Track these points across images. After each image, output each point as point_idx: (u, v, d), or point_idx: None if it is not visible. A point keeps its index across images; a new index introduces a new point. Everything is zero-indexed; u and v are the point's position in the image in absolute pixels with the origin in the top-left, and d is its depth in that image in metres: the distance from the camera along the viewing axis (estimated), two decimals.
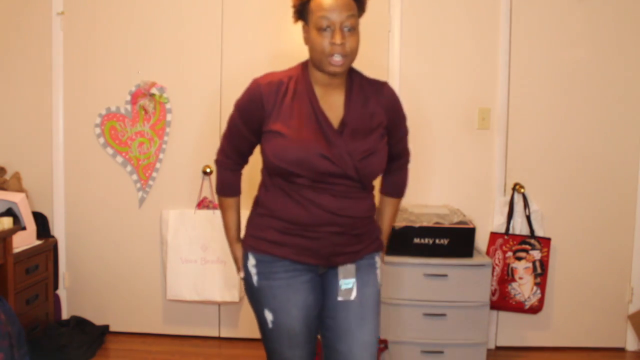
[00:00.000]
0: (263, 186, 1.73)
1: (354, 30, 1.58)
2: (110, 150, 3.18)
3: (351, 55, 1.59)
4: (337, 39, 1.55)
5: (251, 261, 1.70)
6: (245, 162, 1.82)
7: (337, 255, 1.69)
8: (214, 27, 3.12)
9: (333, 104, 1.66)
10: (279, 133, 1.61)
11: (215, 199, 3.15)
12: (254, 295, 1.72)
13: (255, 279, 1.70)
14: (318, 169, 1.59)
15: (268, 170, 1.69)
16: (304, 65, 1.70)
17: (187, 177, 3.17)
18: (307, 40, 1.65)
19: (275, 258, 1.68)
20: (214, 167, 1.88)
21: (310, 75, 1.67)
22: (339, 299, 1.71)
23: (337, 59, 1.57)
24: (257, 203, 1.74)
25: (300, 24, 1.69)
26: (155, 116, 3.15)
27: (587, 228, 3.12)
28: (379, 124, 1.67)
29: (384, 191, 1.90)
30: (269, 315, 1.70)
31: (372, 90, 1.71)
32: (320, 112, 1.63)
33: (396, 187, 1.89)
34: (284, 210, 1.65)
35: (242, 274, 1.75)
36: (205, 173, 3.15)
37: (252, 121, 1.67)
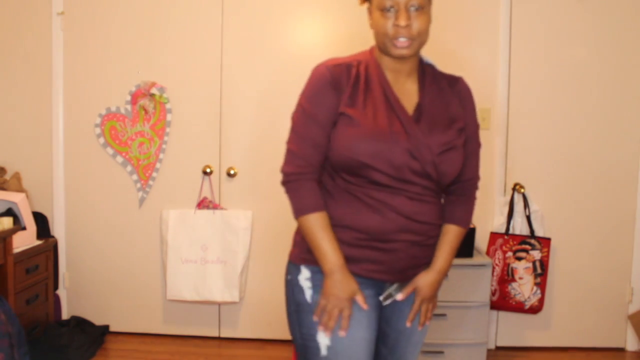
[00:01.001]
0: (322, 185, 1.50)
1: (423, 9, 1.43)
2: (110, 150, 3.18)
3: (419, 37, 1.44)
4: (401, 21, 1.39)
5: (304, 274, 1.48)
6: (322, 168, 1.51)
7: (415, 268, 1.48)
8: (214, 27, 3.12)
9: (406, 92, 1.49)
10: (350, 119, 1.41)
11: (215, 198, 3.15)
12: (305, 314, 1.46)
13: (309, 293, 1.46)
14: (396, 162, 1.39)
15: (334, 166, 1.45)
16: (372, 50, 1.52)
17: (187, 177, 3.17)
18: (371, 22, 1.48)
19: None
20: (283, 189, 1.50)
21: (379, 60, 1.49)
22: (388, 302, 1.51)
23: (402, 40, 1.41)
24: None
25: (365, 5, 1.50)
26: (155, 116, 3.15)
27: (587, 228, 3.12)
28: (457, 116, 1.51)
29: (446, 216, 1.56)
30: (323, 340, 1.43)
31: (447, 83, 1.57)
32: (394, 99, 1.45)
33: (463, 213, 1.56)
34: (356, 217, 1.42)
35: (366, 306, 1.44)
36: (205, 173, 3.15)
37: (327, 108, 1.44)
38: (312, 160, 1.45)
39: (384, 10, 1.41)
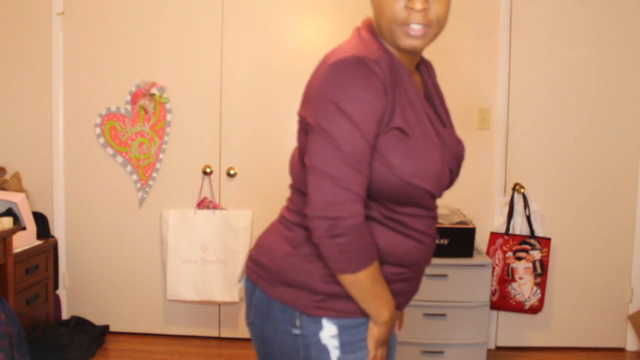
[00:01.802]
0: None
1: None
2: (110, 150, 3.18)
3: (437, 25, 1.15)
4: (417, 3, 1.09)
5: (328, 330, 1.16)
6: None
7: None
8: (214, 26, 3.12)
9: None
10: (407, 137, 1.11)
11: (215, 198, 3.15)
12: None
13: (335, 354, 1.17)
14: (444, 183, 1.19)
15: (380, 194, 1.13)
16: (375, 39, 1.19)
17: (187, 177, 3.17)
18: (374, 2, 1.17)
19: (365, 319, 1.19)
20: (343, 233, 1.07)
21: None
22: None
23: (415, 27, 1.12)
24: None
25: None
26: (155, 116, 3.15)
27: (587, 228, 3.12)
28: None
29: None
30: None
31: (426, 70, 1.33)
32: (425, 103, 1.19)
33: None
34: (400, 250, 1.17)
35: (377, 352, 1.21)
36: (205, 173, 3.15)
37: (377, 122, 1.09)
38: (364, 190, 1.08)
39: None
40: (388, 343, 1.22)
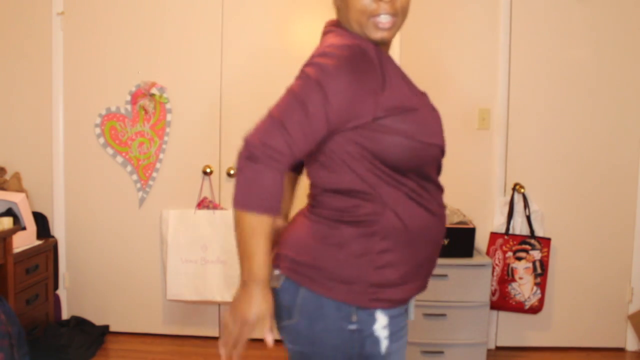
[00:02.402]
0: (375, 203, 1.19)
1: None
2: (110, 150, 3.18)
3: (402, 15, 1.22)
4: None
5: (382, 321, 1.20)
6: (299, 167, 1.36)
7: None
8: (214, 26, 3.12)
9: None
10: (413, 109, 1.19)
11: (215, 198, 3.15)
12: (365, 355, 1.20)
13: (385, 344, 1.20)
14: (445, 143, 1.27)
15: (408, 165, 1.19)
16: (344, 31, 1.25)
17: (187, 177, 3.17)
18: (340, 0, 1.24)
19: (404, 307, 1.26)
20: (241, 163, 1.15)
21: None
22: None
23: (384, 20, 1.18)
24: (377, 231, 1.19)
25: None
26: (155, 116, 3.15)
27: (587, 228, 3.12)
28: None
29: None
30: None
31: None
32: (407, 77, 1.27)
33: None
34: (431, 229, 1.24)
35: (270, 339, 1.18)
36: (205, 173, 3.15)
37: (362, 96, 1.14)
38: (298, 154, 1.14)
39: None
40: (247, 333, 1.18)
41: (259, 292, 1.15)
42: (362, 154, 1.17)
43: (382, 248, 1.19)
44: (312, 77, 1.14)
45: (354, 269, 1.18)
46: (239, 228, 1.13)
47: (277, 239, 1.30)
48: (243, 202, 1.12)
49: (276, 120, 1.13)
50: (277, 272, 1.23)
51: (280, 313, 1.25)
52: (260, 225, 1.12)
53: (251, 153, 1.11)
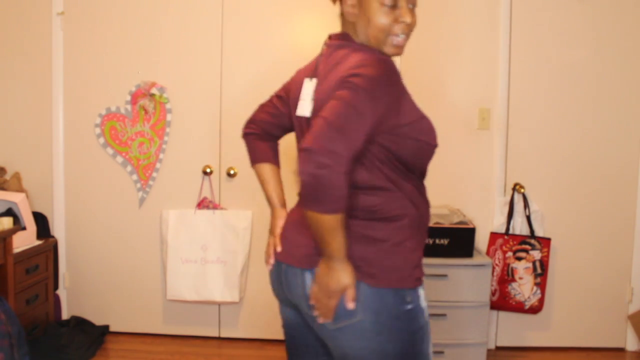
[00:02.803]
0: (401, 198, 1.37)
1: (415, 7, 1.40)
2: (110, 150, 3.18)
3: (411, 33, 1.42)
4: (408, 17, 1.36)
5: (422, 295, 1.41)
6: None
7: None
8: (214, 26, 3.12)
9: None
10: (423, 115, 1.38)
11: (215, 198, 3.16)
12: (428, 334, 1.43)
13: (426, 313, 1.43)
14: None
15: (416, 166, 1.40)
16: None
17: (187, 177, 3.17)
18: (360, 13, 1.38)
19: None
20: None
21: None
22: None
23: (400, 38, 1.37)
24: (406, 223, 1.37)
25: None
26: (155, 116, 3.15)
27: (587, 228, 3.12)
28: None
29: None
30: (431, 349, 1.46)
31: None
32: None
33: None
34: (429, 216, 1.47)
35: (352, 305, 1.32)
36: (205, 173, 3.15)
37: (395, 104, 1.31)
38: (358, 153, 1.26)
39: (383, 4, 1.34)
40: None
41: (342, 266, 1.29)
42: (387, 155, 1.33)
43: (411, 235, 1.37)
44: (360, 86, 1.24)
45: (399, 257, 1.35)
46: (319, 225, 1.25)
47: (278, 227, 1.54)
48: (320, 207, 1.22)
49: (334, 126, 1.21)
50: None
51: (339, 315, 1.33)
52: (337, 221, 1.24)
53: (319, 161, 1.18)
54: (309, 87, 1.44)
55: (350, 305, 1.31)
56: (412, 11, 1.38)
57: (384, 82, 1.26)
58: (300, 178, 1.21)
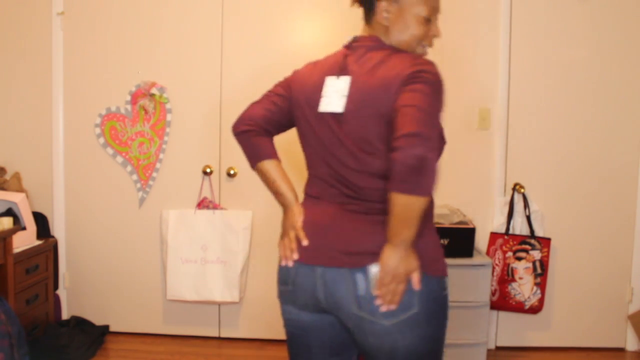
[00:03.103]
0: None
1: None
2: (110, 150, 3.18)
3: None
4: (439, 33, 1.53)
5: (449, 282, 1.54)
6: None
7: None
8: (214, 27, 3.12)
9: None
10: None
11: (215, 198, 3.16)
12: (447, 313, 1.51)
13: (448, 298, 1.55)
14: None
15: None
16: None
17: (187, 177, 3.17)
18: (397, 20, 1.48)
19: None
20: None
21: None
22: None
23: (427, 49, 1.54)
24: (430, 214, 1.48)
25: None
26: (155, 116, 3.15)
27: (587, 228, 3.12)
28: None
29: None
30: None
31: None
32: None
33: None
34: None
35: (419, 285, 1.41)
36: (205, 173, 3.15)
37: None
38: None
39: (424, 18, 1.48)
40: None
41: (411, 250, 1.35)
42: None
43: (432, 224, 1.48)
44: (431, 81, 1.35)
45: (437, 246, 1.46)
46: (412, 209, 1.28)
47: (299, 222, 1.52)
48: (421, 190, 1.27)
49: (430, 115, 1.31)
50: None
51: (399, 309, 1.37)
52: (427, 205, 1.36)
53: (429, 145, 1.26)
54: (336, 85, 1.45)
55: (417, 285, 1.36)
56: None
57: (442, 80, 1.39)
58: (406, 162, 1.24)
